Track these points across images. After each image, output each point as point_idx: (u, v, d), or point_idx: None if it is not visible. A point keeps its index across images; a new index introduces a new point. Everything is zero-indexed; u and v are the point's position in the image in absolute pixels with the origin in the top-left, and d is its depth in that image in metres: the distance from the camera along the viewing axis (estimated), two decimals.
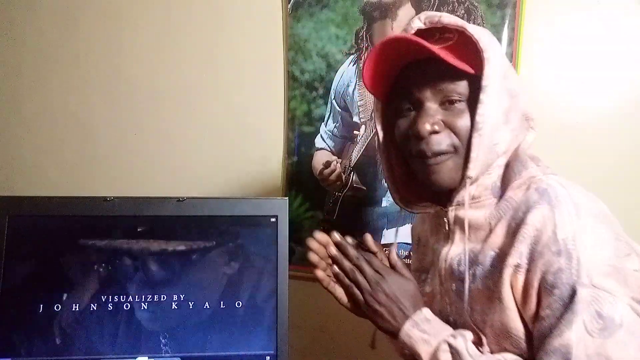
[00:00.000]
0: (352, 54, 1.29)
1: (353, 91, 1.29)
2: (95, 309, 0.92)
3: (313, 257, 0.82)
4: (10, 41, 1.67)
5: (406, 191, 0.80)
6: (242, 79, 1.43)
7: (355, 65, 1.29)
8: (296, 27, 1.35)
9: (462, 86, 0.68)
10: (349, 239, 0.80)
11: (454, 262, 0.74)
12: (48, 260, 0.94)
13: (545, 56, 1.10)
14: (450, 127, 0.69)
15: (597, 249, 0.61)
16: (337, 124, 1.32)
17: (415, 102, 0.70)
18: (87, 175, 1.61)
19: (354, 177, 1.31)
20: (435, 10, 1.17)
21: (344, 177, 1.33)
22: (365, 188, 1.30)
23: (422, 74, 0.69)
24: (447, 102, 0.69)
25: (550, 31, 1.10)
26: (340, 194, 1.33)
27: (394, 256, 0.79)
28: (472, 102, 0.68)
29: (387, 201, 1.26)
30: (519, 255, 0.63)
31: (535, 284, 0.62)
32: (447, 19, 0.69)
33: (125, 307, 0.93)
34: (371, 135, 1.28)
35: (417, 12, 1.19)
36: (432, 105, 0.69)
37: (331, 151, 1.34)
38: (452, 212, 0.74)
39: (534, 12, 1.10)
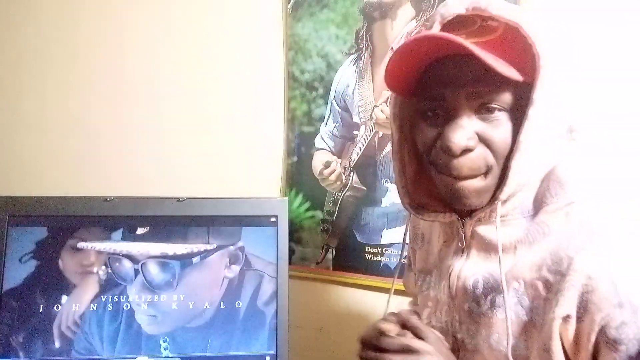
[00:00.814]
0: (352, 54, 1.29)
1: (353, 91, 1.29)
2: (95, 309, 0.92)
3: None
4: (10, 41, 1.67)
5: (417, 192, 0.71)
6: (242, 79, 1.43)
7: (355, 65, 1.29)
8: (296, 27, 1.35)
9: (506, 93, 0.57)
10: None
11: (468, 281, 0.66)
12: (48, 260, 0.94)
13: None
14: (486, 143, 0.59)
15: None
16: (337, 124, 1.32)
17: (446, 107, 0.60)
18: (87, 175, 1.61)
19: (354, 177, 1.31)
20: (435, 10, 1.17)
21: (344, 177, 1.32)
22: (365, 188, 1.30)
23: (457, 75, 0.58)
24: (484, 110, 0.58)
25: (550, 31, 1.09)
26: (340, 194, 1.33)
27: (412, 320, 0.67)
28: (515, 113, 0.58)
29: (387, 201, 1.26)
30: (568, 305, 0.56)
31: (592, 338, 0.55)
32: (497, 9, 0.57)
33: (125, 307, 0.93)
34: (371, 135, 1.28)
35: (417, 12, 1.19)
36: (466, 113, 0.58)
37: (331, 151, 1.34)
38: (470, 227, 0.66)
39: (534, 11, 1.09)
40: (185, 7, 1.48)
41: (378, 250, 1.28)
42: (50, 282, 0.93)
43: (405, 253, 1.18)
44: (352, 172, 1.31)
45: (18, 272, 0.93)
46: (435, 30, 0.60)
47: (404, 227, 0.79)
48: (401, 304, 1.21)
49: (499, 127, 0.59)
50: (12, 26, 1.66)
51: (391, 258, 1.24)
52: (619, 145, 1.05)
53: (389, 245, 1.26)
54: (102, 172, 1.59)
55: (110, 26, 1.57)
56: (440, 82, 0.59)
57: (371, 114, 1.27)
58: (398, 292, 1.21)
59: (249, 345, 0.92)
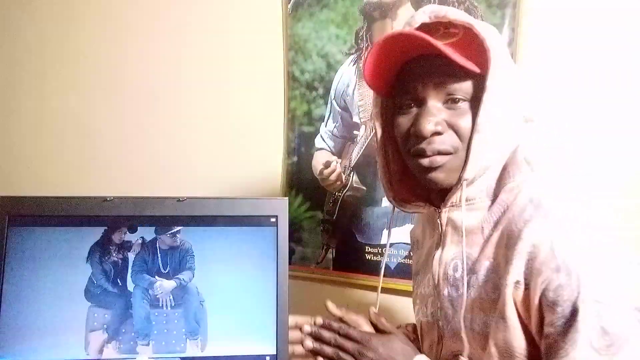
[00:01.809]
0: (352, 54, 1.29)
1: (353, 91, 1.29)
2: (95, 309, 0.93)
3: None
4: (10, 41, 1.67)
5: (401, 188, 0.79)
6: (242, 79, 1.43)
7: (355, 65, 1.29)
8: (296, 27, 1.35)
9: (467, 85, 0.66)
10: (319, 319, 0.80)
11: (448, 267, 0.72)
12: (48, 261, 0.94)
13: (546, 57, 1.10)
14: (453, 128, 0.67)
15: (597, 261, 0.59)
16: (337, 124, 1.32)
17: (417, 99, 0.68)
18: (87, 175, 1.61)
19: (354, 177, 1.31)
20: None
21: (344, 177, 1.33)
22: (365, 188, 1.30)
23: (426, 70, 0.67)
24: (450, 101, 0.67)
25: (551, 31, 1.10)
26: (340, 194, 1.33)
27: (373, 315, 0.79)
28: (475, 101, 0.66)
29: (387, 201, 1.26)
30: (517, 272, 0.61)
31: (536, 301, 0.60)
32: (454, 14, 0.66)
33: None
34: (371, 135, 1.28)
35: None
36: (435, 104, 0.67)
37: (331, 151, 1.34)
38: (445, 214, 0.73)
39: (534, 12, 1.10)
40: (185, 7, 1.48)
41: (378, 250, 1.28)
42: (50, 281, 0.93)
43: (393, 253, 1.20)
44: (352, 172, 1.31)
45: (19, 271, 0.93)
46: None
47: (404, 227, 0.82)
48: (396, 302, 1.21)
49: (464, 115, 0.67)
50: (12, 26, 1.66)
51: (391, 258, 1.24)
52: (570, 130, 1.09)
53: (389, 245, 1.26)
54: (102, 172, 1.60)
55: (110, 26, 1.57)
56: (412, 78, 0.68)
57: (371, 114, 1.27)
58: (395, 292, 1.21)
59: (249, 345, 0.92)
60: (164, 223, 0.95)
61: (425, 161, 0.68)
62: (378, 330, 0.79)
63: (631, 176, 1.05)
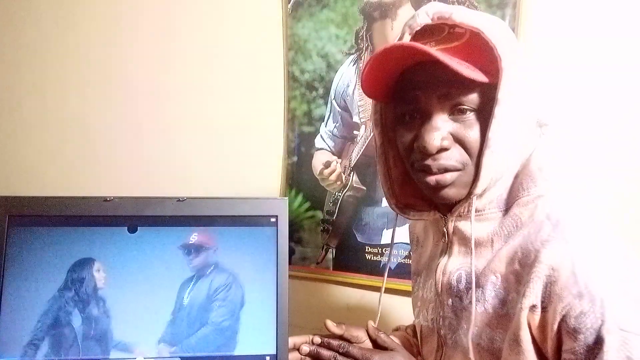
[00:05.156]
0: (352, 54, 1.29)
1: (353, 91, 1.29)
2: (95, 308, 0.93)
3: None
4: (10, 41, 1.67)
5: (403, 193, 0.74)
6: (242, 79, 1.43)
7: (355, 65, 1.29)
8: (296, 27, 1.35)
9: (474, 94, 0.61)
10: (317, 338, 0.78)
11: (452, 277, 0.69)
12: (49, 260, 0.94)
13: (546, 57, 1.10)
14: (460, 142, 0.62)
15: (620, 286, 0.55)
16: (337, 124, 1.32)
17: (421, 110, 0.63)
18: (87, 175, 1.61)
19: (354, 177, 1.31)
20: None
21: (344, 177, 1.33)
22: (365, 188, 1.30)
23: (429, 79, 0.61)
24: (456, 111, 0.62)
25: (551, 32, 1.10)
26: (340, 194, 1.33)
27: (372, 329, 0.78)
28: (484, 112, 0.61)
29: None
30: (534, 296, 0.58)
31: (555, 327, 0.57)
32: (460, 16, 0.60)
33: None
34: (371, 135, 1.28)
35: None
36: (440, 115, 0.62)
37: (331, 151, 1.34)
38: (452, 223, 0.69)
39: (534, 12, 1.10)
40: (185, 7, 1.48)
41: (378, 250, 1.28)
42: (51, 280, 0.93)
43: (393, 253, 1.20)
44: (352, 172, 1.31)
45: (19, 271, 0.93)
46: (405, 40, 0.63)
47: (402, 227, 0.81)
48: (396, 302, 1.21)
49: (472, 127, 0.62)
50: (12, 26, 1.66)
51: (391, 258, 1.24)
52: (587, 139, 1.07)
53: (389, 245, 1.26)
54: (102, 172, 1.60)
55: (110, 27, 1.57)
56: (414, 86, 0.63)
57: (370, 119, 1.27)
58: (395, 292, 1.21)
59: (249, 345, 0.92)
60: (164, 223, 0.95)
61: (432, 180, 0.63)
62: (378, 345, 0.78)
63: (631, 179, 1.05)
